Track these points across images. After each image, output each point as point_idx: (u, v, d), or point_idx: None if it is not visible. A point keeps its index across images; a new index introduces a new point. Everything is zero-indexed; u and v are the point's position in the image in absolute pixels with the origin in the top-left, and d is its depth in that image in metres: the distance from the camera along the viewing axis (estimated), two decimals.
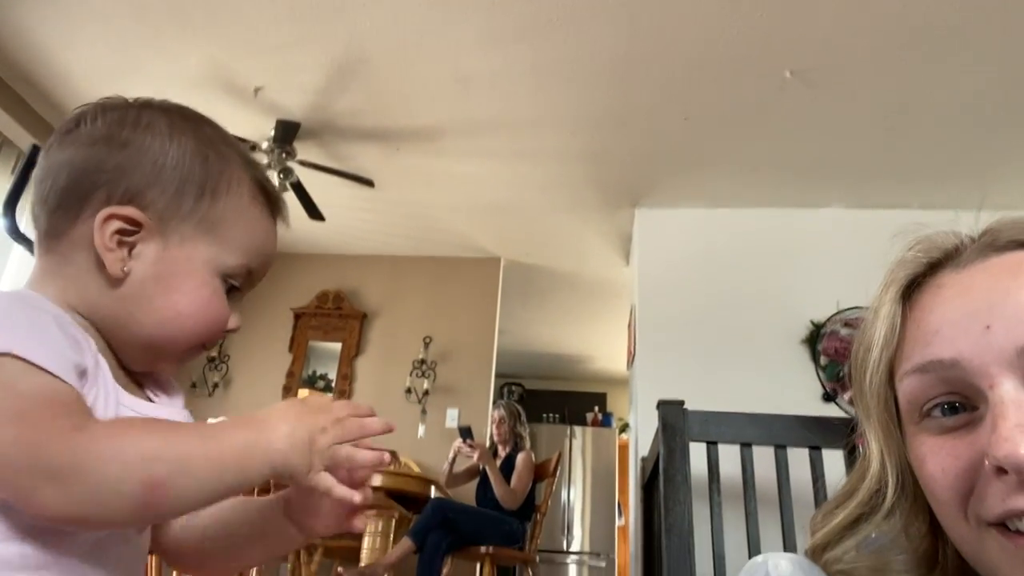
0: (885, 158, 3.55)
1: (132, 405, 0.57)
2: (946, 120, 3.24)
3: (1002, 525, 0.42)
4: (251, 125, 3.55)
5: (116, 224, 0.56)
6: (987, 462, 0.42)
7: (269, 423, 0.53)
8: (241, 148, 0.66)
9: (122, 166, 0.57)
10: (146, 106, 0.61)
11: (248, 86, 3.35)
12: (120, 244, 0.57)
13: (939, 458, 0.45)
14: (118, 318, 0.57)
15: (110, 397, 0.55)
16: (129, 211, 0.56)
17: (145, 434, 0.49)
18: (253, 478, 0.51)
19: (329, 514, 0.63)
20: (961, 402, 0.45)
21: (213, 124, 0.65)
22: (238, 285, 0.63)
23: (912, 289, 0.52)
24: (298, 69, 3.22)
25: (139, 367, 0.62)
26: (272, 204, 0.67)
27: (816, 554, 0.51)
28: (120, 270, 0.56)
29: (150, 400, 0.64)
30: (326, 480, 0.54)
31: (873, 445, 0.52)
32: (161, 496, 0.47)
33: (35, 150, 3.59)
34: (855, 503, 0.52)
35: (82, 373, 0.51)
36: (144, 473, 0.46)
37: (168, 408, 0.64)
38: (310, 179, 3.81)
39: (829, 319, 3.68)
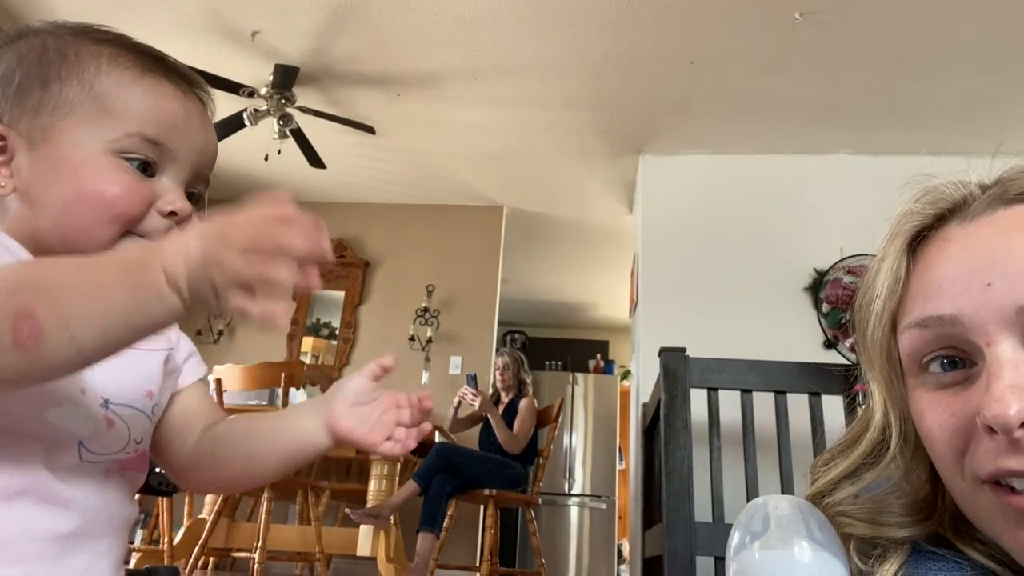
0: (894, 102, 3.49)
1: None
2: (958, 63, 3.17)
3: (995, 482, 0.42)
4: (249, 70, 3.49)
5: None
6: (978, 421, 0.42)
7: (173, 238, 0.46)
8: (100, 31, 0.61)
9: None
10: (3, 35, 0.60)
11: (245, 30, 3.28)
12: None
13: (936, 414, 0.46)
14: (33, 236, 0.56)
15: None
16: None
17: (13, 268, 0.47)
18: (154, 298, 0.43)
19: (366, 418, 0.62)
20: (960, 357, 0.45)
21: (67, 24, 0.61)
22: (148, 158, 0.58)
23: (918, 242, 0.51)
24: (296, 11, 3.15)
25: None
26: (151, 60, 0.60)
27: (815, 500, 0.52)
28: None
29: None
30: (238, 301, 0.43)
31: (876, 396, 0.52)
32: (35, 330, 0.41)
33: None
34: (857, 453, 0.52)
35: None
36: (9, 304, 0.41)
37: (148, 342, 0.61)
38: (310, 127, 3.77)
39: (832, 267, 3.68)
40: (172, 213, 0.59)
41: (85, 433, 0.55)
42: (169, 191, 0.59)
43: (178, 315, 0.45)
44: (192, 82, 0.63)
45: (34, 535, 0.52)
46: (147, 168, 0.58)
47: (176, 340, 0.69)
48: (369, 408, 0.63)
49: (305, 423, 0.64)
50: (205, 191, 0.65)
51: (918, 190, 0.54)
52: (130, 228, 0.57)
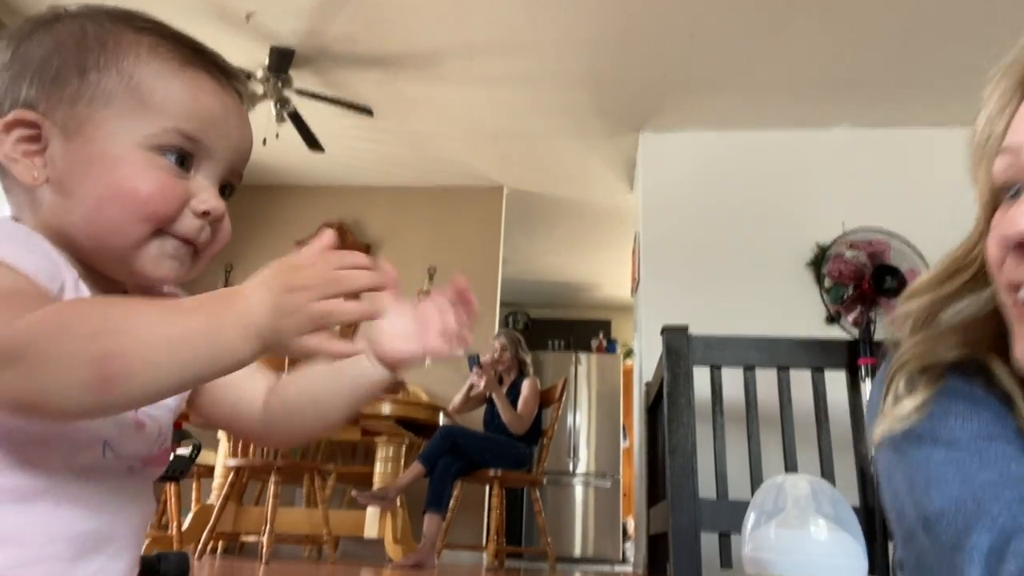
0: (895, 74, 3.46)
1: None
2: (958, 34, 3.13)
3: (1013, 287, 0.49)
4: (244, 53, 3.46)
5: (13, 134, 0.55)
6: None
7: (244, 290, 0.48)
8: (140, 18, 0.59)
9: (8, 82, 0.56)
10: (36, 18, 0.58)
11: (239, 11, 3.25)
12: (28, 154, 0.55)
13: (992, 232, 0.52)
14: (63, 230, 0.55)
15: None
16: (13, 115, 0.55)
17: (96, 308, 0.47)
18: (232, 350, 0.46)
19: (412, 335, 0.63)
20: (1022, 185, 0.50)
21: (105, 8, 0.59)
22: (185, 153, 0.56)
23: None
24: None
25: (121, 276, 0.59)
26: (192, 52, 0.59)
27: (897, 324, 0.59)
28: (32, 177, 0.55)
29: None
30: (314, 341, 0.48)
31: (978, 210, 0.57)
32: (117, 370, 0.42)
33: None
34: (950, 259, 0.58)
35: (60, 288, 0.52)
36: (94, 347, 0.43)
37: None
38: (308, 109, 3.74)
39: (835, 241, 3.66)
40: (205, 213, 0.57)
41: (112, 434, 0.55)
42: (204, 189, 0.58)
43: (251, 359, 0.47)
44: (230, 75, 0.61)
45: (52, 535, 0.51)
46: (183, 163, 0.57)
47: None
48: (411, 324, 0.64)
49: (361, 363, 0.64)
50: (238, 185, 0.64)
51: None
52: (162, 227, 0.56)
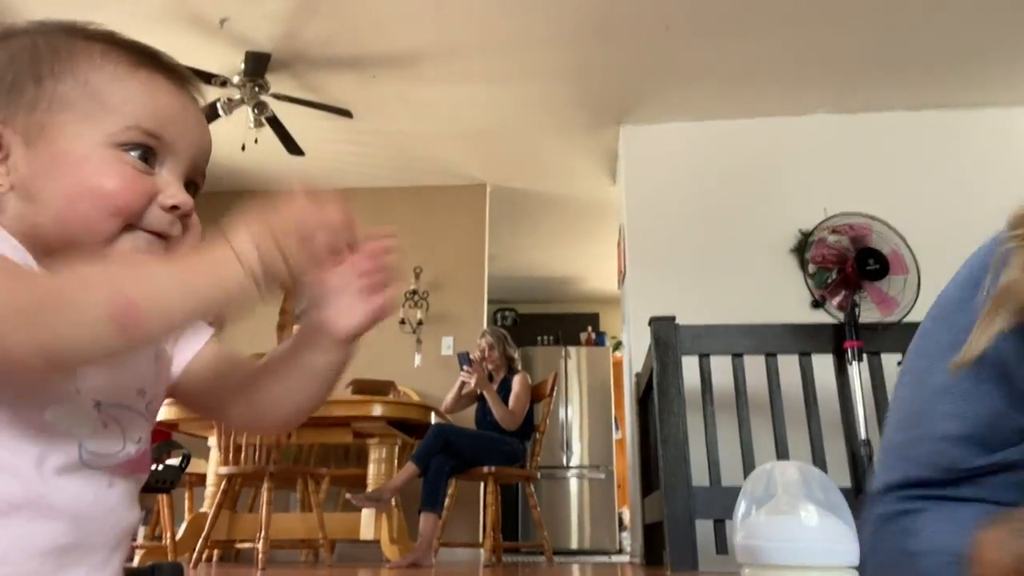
0: (872, 57, 3.49)
1: None
2: (935, 19, 3.16)
3: None
4: (220, 59, 3.43)
5: None
6: None
7: (230, 234, 0.51)
8: (89, 27, 0.61)
9: None
10: None
11: (213, 17, 3.22)
12: None
13: None
14: (32, 233, 0.56)
15: None
16: None
17: (108, 264, 0.51)
18: (233, 288, 0.50)
19: (354, 306, 0.64)
20: None
21: (55, 22, 0.61)
22: (148, 149, 0.58)
23: None
24: None
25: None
26: (143, 55, 0.61)
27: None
28: None
29: None
30: (305, 262, 0.54)
31: None
32: (135, 314, 0.46)
33: None
34: None
35: None
36: (113, 294, 0.46)
37: None
38: (286, 113, 3.72)
39: (817, 227, 3.69)
40: (174, 207, 0.59)
41: (85, 432, 0.55)
42: (170, 184, 0.59)
43: (254, 294, 0.52)
44: (184, 77, 0.63)
45: (30, 551, 0.51)
46: (147, 159, 0.58)
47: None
48: (348, 293, 0.65)
49: (316, 349, 0.66)
50: (202, 184, 0.65)
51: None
52: (132, 222, 0.57)
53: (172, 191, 0.59)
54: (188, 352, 0.69)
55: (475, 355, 3.71)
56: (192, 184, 0.63)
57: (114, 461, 0.57)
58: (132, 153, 0.57)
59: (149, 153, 0.58)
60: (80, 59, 0.58)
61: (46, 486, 0.52)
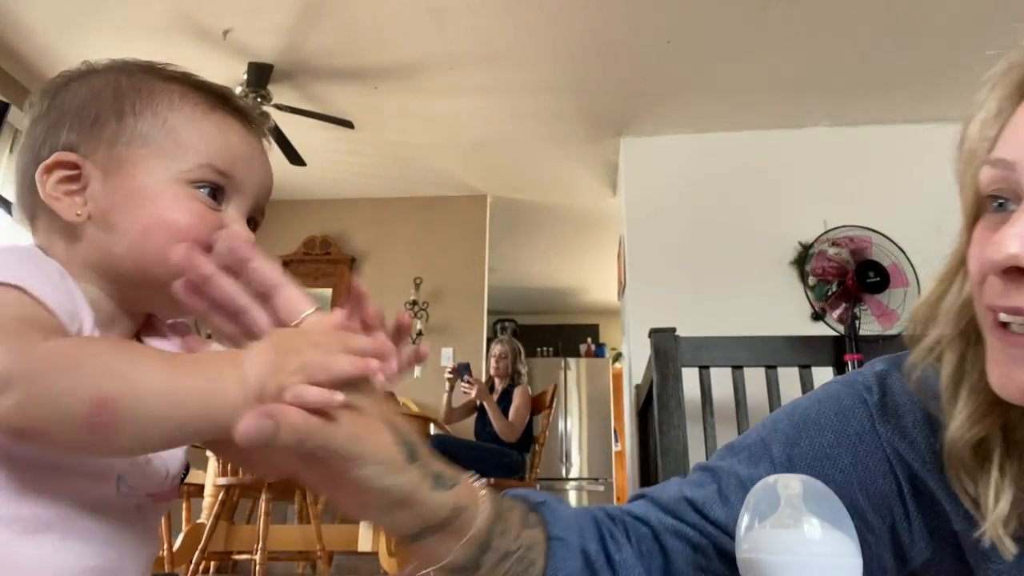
0: (870, 73, 3.50)
1: None
2: (932, 32, 3.18)
3: (995, 313, 0.47)
4: (222, 70, 3.44)
5: (55, 175, 0.59)
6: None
7: (243, 355, 0.47)
8: (167, 69, 0.65)
9: (46, 130, 0.61)
10: (70, 73, 0.64)
11: (216, 29, 3.24)
12: (69, 194, 0.59)
13: (975, 247, 0.50)
14: (106, 261, 0.59)
15: None
16: (54, 157, 0.59)
17: (103, 351, 0.47)
18: (220, 419, 0.45)
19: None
20: (1011, 199, 0.48)
21: (135, 62, 0.64)
22: (218, 186, 0.61)
23: None
24: (267, 8, 3.11)
25: (159, 309, 0.64)
26: (218, 99, 0.65)
27: (912, 341, 0.57)
28: (74, 215, 0.59)
29: None
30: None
31: (962, 219, 0.55)
32: (108, 417, 0.43)
33: (3, 107, 3.47)
34: (944, 272, 0.56)
35: (78, 329, 0.53)
36: (94, 388, 0.43)
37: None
38: (288, 124, 3.73)
39: (817, 239, 3.70)
40: None
41: (125, 467, 0.56)
42: (235, 221, 0.62)
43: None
44: (254, 120, 0.68)
45: (60, 569, 0.51)
46: (216, 196, 0.61)
47: None
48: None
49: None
50: (261, 220, 0.69)
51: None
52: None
53: (237, 227, 0.62)
54: None
55: (470, 383, 3.65)
56: (252, 220, 0.66)
57: (149, 491, 0.59)
58: (203, 190, 0.60)
59: (218, 190, 0.61)
60: (160, 99, 0.62)
61: (81, 512, 0.53)
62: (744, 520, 0.37)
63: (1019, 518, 0.50)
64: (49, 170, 0.59)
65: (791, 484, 0.36)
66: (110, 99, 0.61)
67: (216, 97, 0.65)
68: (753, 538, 0.35)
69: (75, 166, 0.59)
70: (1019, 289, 0.44)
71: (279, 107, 3.59)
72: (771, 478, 0.37)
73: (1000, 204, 0.48)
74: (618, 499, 6.01)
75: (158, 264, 0.58)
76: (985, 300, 0.48)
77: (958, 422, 0.52)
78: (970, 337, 0.53)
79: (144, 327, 0.67)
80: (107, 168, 0.59)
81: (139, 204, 0.59)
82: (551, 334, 7.13)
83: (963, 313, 0.53)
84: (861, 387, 0.61)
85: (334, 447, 0.44)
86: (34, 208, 0.61)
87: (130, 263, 0.59)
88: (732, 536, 0.41)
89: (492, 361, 3.89)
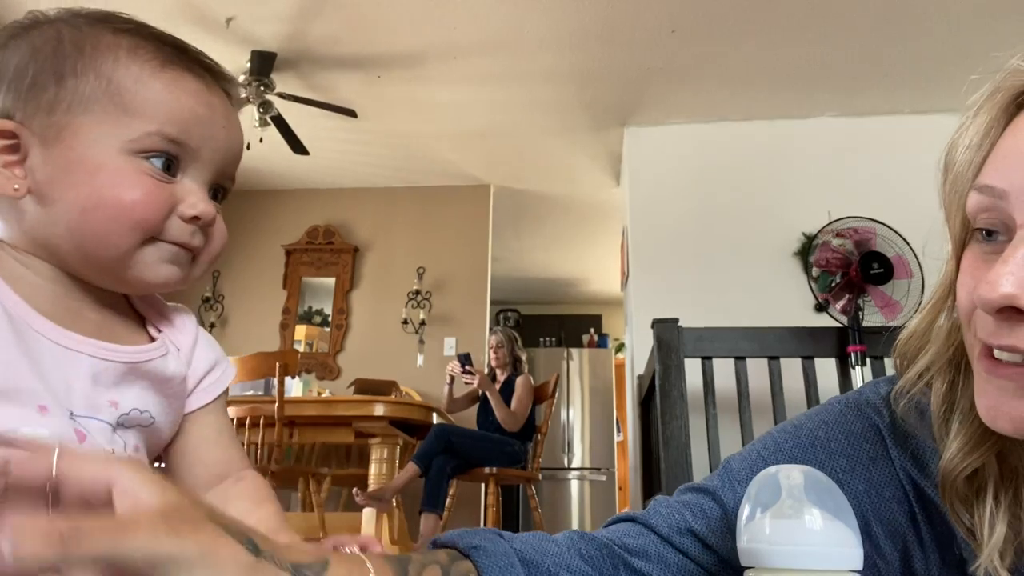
0: (877, 63, 3.48)
1: (43, 331, 0.52)
2: (940, 20, 3.16)
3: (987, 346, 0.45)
4: (225, 58, 3.43)
5: None
6: (971, 296, 0.45)
7: None
8: (119, 20, 0.57)
9: None
10: (11, 26, 0.56)
11: (219, 17, 3.23)
12: (7, 164, 0.53)
13: (964, 276, 0.48)
14: (49, 243, 0.53)
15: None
16: None
17: None
18: None
19: None
20: (1001, 230, 0.45)
21: (85, 12, 0.57)
22: (170, 156, 0.54)
23: (1018, 103, 0.48)
24: None
25: (112, 286, 0.58)
26: (173, 53, 0.57)
27: (899, 366, 0.55)
28: (12, 188, 0.52)
29: (152, 337, 0.61)
30: None
31: (949, 245, 0.52)
32: None
33: None
34: (933, 301, 0.54)
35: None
36: None
37: (152, 348, 0.60)
38: (291, 113, 3.73)
39: (821, 230, 3.69)
40: (195, 218, 0.56)
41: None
42: (192, 193, 0.56)
43: None
44: (216, 74, 0.59)
45: None
46: (169, 167, 0.55)
47: (186, 344, 0.64)
48: None
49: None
50: (231, 188, 0.62)
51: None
52: (153, 235, 0.54)
53: (193, 200, 0.55)
54: (206, 395, 0.64)
55: (491, 341, 3.73)
56: (220, 189, 0.60)
57: None
58: (153, 161, 0.54)
59: (171, 160, 0.55)
60: (105, 56, 0.54)
61: None
62: (745, 510, 0.37)
63: (1015, 550, 0.48)
64: None
65: (793, 475, 0.36)
66: (50, 58, 0.53)
67: (171, 50, 0.57)
68: (754, 528, 0.35)
69: (12, 135, 0.53)
70: (1012, 328, 0.42)
71: (282, 96, 3.59)
72: (772, 468, 0.37)
73: (988, 233, 0.46)
74: (620, 489, 6.03)
75: (101, 246, 0.52)
76: (977, 335, 0.46)
77: (951, 452, 0.51)
78: (959, 364, 0.52)
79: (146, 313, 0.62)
80: (45, 137, 0.53)
81: (78, 179, 0.52)
82: (554, 324, 7.13)
83: (951, 340, 0.52)
84: (871, 410, 0.59)
85: (135, 555, 0.32)
86: None
87: (71, 245, 0.53)
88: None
89: (490, 353, 3.90)
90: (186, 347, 0.64)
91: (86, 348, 0.55)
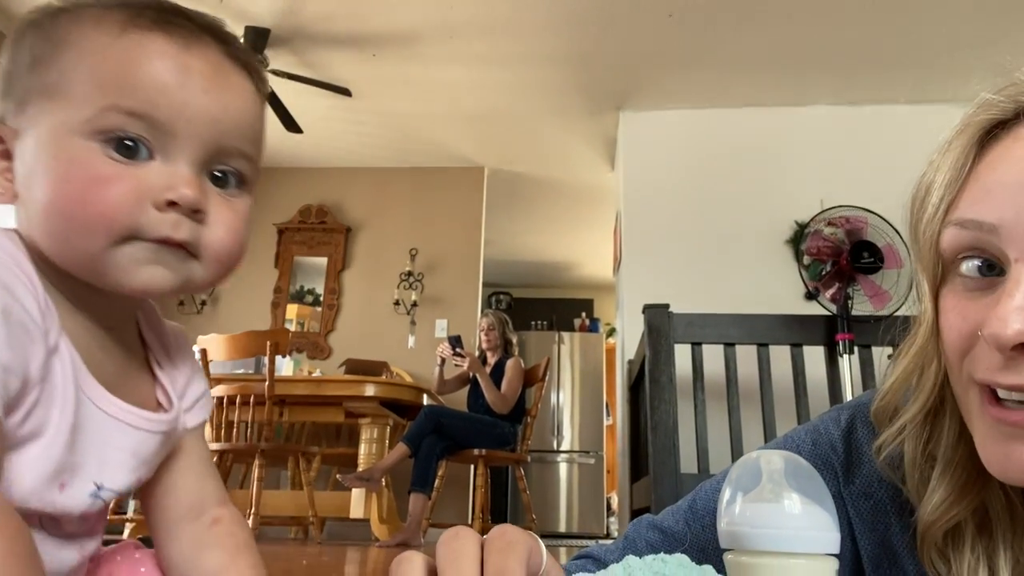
0: (873, 52, 3.48)
1: (94, 397, 0.48)
2: (936, 10, 3.15)
3: (986, 386, 0.43)
4: None
5: None
6: (980, 334, 0.42)
7: None
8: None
9: None
10: (25, 19, 0.51)
11: None
12: (1, 171, 0.48)
13: (952, 315, 0.46)
14: (41, 248, 0.47)
15: (67, 390, 0.46)
16: None
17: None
18: None
19: None
20: (991, 263, 0.44)
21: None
22: (134, 137, 0.45)
23: (990, 136, 0.47)
24: None
25: (91, 279, 0.48)
26: (138, 12, 0.47)
27: (879, 419, 0.54)
28: (2, 196, 0.48)
29: (154, 366, 0.56)
30: None
31: (925, 286, 0.50)
32: None
33: None
34: (915, 349, 0.51)
35: (24, 382, 0.43)
36: None
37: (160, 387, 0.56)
38: (285, 90, 3.69)
39: (813, 219, 3.70)
40: (172, 203, 0.46)
41: (75, 513, 0.49)
42: (169, 176, 0.46)
43: None
44: (191, 32, 0.49)
45: None
46: (137, 148, 0.46)
47: (181, 382, 0.58)
48: None
49: None
50: (247, 168, 0.52)
51: (1005, 81, 0.49)
52: (127, 232, 0.45)
53: (168, 183, 0.46)
54: (189, 421, 0.59)
55: (482, 323, 3.75)
56: (228, 170, 0.50)
57: (72, 520, 0.50)
58: (116, 143, 0.45)
59: (137, 140, 0.46)
60: (69, 34, 0.47)
61: None
62: (726, 494, 0.37)
63: None
64: None
65: (773, 459, 0.36)
66: (27, 49, 0.48)
67: (137, 9, 0.47)
68: (734, 511, 0.36)
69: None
70: (1020, 366, 0.41)
71: (276, 73, 3.55)
72: (754, 453, 0.37)
73: (977, 267, 0.44)
74: (608, 472, 6.08)
75: (69, 250, 0.46)
76: (978, 375, 0.43)
77: (932, 505, 0.49)
78: (938, 412, 0.50)
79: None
80: (21, 132, 0.47)
81: (36, 177, 0.45)
82: (545, 308, 7.14)
83: (933, 391, 0.50)
84: (827, 447, 0.58)
85: None
86: None
87: (52, 252, 0.46)
88: None
89: (482, 336, 3.91)
90: (181, 384, 0.59)
91: (131, 419, 0.51)
